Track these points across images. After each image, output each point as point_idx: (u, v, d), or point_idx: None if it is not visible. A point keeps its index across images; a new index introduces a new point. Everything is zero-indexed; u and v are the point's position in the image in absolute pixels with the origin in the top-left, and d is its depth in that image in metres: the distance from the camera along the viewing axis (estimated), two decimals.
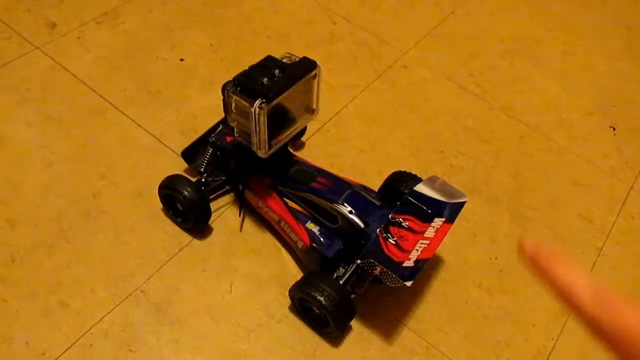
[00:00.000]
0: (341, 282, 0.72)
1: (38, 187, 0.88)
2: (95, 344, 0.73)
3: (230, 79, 0.71)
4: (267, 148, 0.72)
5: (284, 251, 0.84)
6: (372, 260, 0.67)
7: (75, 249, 0.81)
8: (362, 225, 0.74)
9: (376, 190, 0.84)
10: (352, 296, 0.72)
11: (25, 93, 1.01)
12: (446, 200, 0.75)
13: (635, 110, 1.15)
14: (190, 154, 0.89)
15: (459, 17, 1.31)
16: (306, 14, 1.25)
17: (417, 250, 0.69)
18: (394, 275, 0.65)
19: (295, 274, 0.82)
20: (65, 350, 0.72)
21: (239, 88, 0.69)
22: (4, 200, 0.86)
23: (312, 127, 1.00)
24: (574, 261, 0.30)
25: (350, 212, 0.75)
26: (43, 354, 0.71)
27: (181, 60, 1.11)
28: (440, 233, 0.72)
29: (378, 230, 0.71)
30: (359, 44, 1.20)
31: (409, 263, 0.67)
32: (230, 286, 0.80)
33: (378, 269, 0.66)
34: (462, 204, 0.76)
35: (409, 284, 0.64)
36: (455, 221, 0.74)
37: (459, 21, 1.30)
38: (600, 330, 0.28)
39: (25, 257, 0.80)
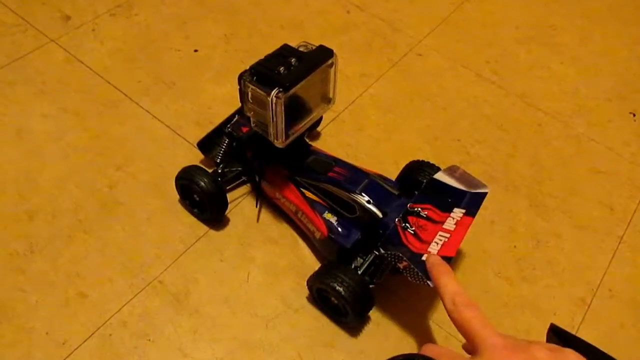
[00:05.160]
0: (359, 272, 0.72)
1: (55, 178, 0.88)
2: (114, 333, 0.73)
3: (245, 68, 0.70)
4: (284, 138, 0.71)
5: (301, 241, 0.84)
6: (399, 254, 0.65)
7: (93, 240, 0.82)
8: (380, 215, 0.73)
9: (393, 179, 0.84)
10: (371, 286, 0.72)
11: (41, 86, 1.01)
12: (466, 190, 0.74)
13: None
14: (206, 144, 0.89)
15: (474, 4, 1.30)
16: (319, 3, 1.24)
17: (437, 244, 0.68)
18: (419, 273, 0.64)
19: (312, 264, 0.81)
20: (85, 340, 0.72)
21: (255, 77, 0.69)
22: (21, 192, 0.86)
23: (327, 117, 0.99)
24: (453, 275, 0.59)
25: (368, 201, 0.74)
26: (63, 343, 0.71)
27: (195, 51, 1.11)
28: (462, 227, 0.70)
29: (396, 219, 0.70)
30: (373, 33, 1.19)
31: None
32: (248, 276, 0.80)
33: (404, 263, 0.65)
34: (483, 195, 0.74)
35: (431, 284, 0.63)
36: None
37: (474, 8, 1.29)
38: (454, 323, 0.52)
39: (43, 248, 0.80)
